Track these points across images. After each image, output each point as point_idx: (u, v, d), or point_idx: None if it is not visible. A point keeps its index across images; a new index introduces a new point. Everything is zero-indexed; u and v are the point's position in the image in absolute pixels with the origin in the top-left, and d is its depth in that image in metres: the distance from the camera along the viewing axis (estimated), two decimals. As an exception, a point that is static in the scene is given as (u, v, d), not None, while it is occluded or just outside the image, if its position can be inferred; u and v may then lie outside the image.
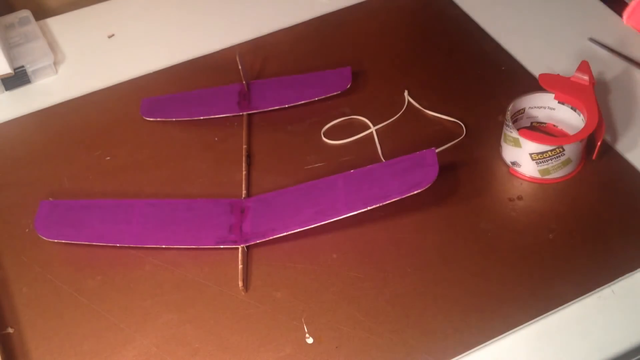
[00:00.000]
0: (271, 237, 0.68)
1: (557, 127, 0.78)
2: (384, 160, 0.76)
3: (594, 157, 0.75)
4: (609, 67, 0.85)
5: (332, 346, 0.62)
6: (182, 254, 0.69)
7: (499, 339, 0.62)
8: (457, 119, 0.80)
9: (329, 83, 0.85)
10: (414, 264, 0.67)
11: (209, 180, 0.77)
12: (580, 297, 0.64)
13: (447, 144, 0.77)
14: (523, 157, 0.72)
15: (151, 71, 0.90)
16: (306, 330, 0.63)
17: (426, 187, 0.66)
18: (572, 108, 0.75)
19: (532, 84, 0.81)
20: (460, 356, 0.61)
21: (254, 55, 0.92)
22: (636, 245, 0.67)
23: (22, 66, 0.88)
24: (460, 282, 0.65)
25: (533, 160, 0.71)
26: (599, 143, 0.74)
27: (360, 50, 0.91)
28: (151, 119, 0.84)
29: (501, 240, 0.68)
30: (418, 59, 0.89)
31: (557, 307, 0.63)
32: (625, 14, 0.28)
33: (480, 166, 0.75)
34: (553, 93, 0.75)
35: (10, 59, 0.88)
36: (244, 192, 0.74)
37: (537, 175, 0.73)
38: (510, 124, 0.71)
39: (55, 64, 0.91)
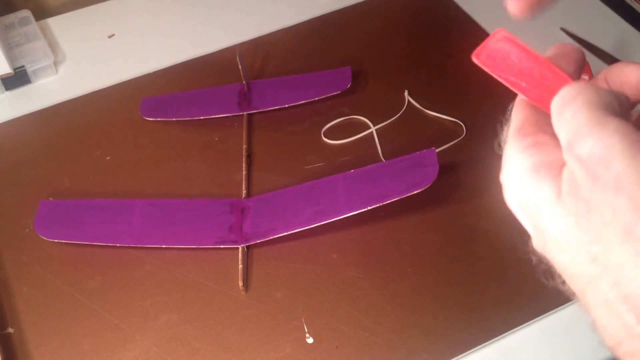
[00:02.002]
0: (271, 237, 0.68)
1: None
2: (384, 160, 0.76)
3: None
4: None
5: (332, 346, 0.62)
6: (182, 254, 0.69)
7: (499, 339, 0.62)
8: (457, 118, 0.80)
9: (329, 83, 0.85)
10: (414, 264, 0.67)
11: (209, 180, 0.77)
12: (580, 297, 0.64)
13: (447, 144, 0.77)
14: (523, 157, 0.72)
15: (151, 71, 0.90)
16: (306, 330, 0.63)
17: (426, 187, 0.66)
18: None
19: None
20: (460, 356, 0.61)
21: (254, 55, 0.92)
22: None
23: (22, 66, 0.88)
24: (460, 282, 0.65)
25: (533, 160, 0.71)
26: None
27: (360, 50, 0.91)
28: (151, 119, 0.84)
29: (501, 240, 0.68)
30: (418, 59, 0.89)
31: (557, 307, 0.63)
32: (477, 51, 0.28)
33: (480, 166, 0.75)
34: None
35: (11, 59, 0.88)
36: (244, 192, 0.74)
37: (537, 175, 0.72)
38: (510, 124, 0.71)
39: (56, 64, 0.91)
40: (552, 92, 0.31)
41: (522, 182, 0.30)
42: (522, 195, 0.30)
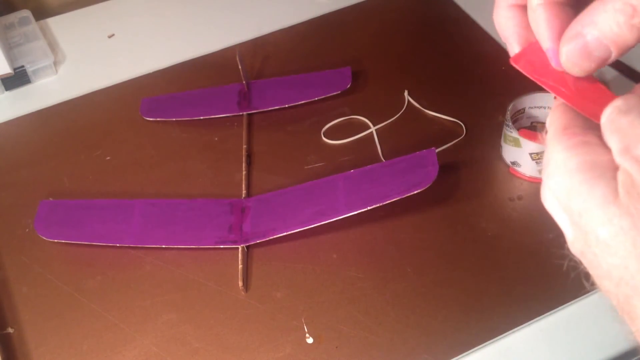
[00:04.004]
0: (271, 237, 0.68)
1: (557, 127, 0.78)
2: (384, 160, 0.76)
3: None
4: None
5: (332, 346, 0.62)
6: (182, 254, 0.69)
7: (498, 339, 0.62)
8: (457, 118, 0.80)
9: (329, 83, 0.85)
10: (414, 264, 0.67)
11: (209, 180, 0.77)
12: (581, 297, 0.64)
13: (447, 144, 0.77)
14: (523, 157, 0.72)
15: (151, 71, 0.91)
16: (306, 330, 0.63)
17: (426, 187, 0.66)
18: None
19: (532, 84, 0.81)
20: (460, 356, 0.61)
21: (254, 55, 0.92)
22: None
23: (22, 66, 0.88)
24: (460, 282, 0.65)
25: (533, 160, 0.71)
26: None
27: (360, 50, 0.91)
28: (151, 119, 0.84)
29: (501, 240, 0.68)
30: (418, 59, 0.89)
31: (557, 307, 0.63)
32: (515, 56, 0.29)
33: (480, 166, 0.75)
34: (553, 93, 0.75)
35: (10, 59, 0.88)
36: (244, 192, 0.74)
37: (537, 175, 0.73)
38: (510, 124, 0.71)
39: (55, 64, 0.91)
40: (591, 101, 0.31)
41: (568, 180, 0.29)
42: (566, 194, 0.29)
